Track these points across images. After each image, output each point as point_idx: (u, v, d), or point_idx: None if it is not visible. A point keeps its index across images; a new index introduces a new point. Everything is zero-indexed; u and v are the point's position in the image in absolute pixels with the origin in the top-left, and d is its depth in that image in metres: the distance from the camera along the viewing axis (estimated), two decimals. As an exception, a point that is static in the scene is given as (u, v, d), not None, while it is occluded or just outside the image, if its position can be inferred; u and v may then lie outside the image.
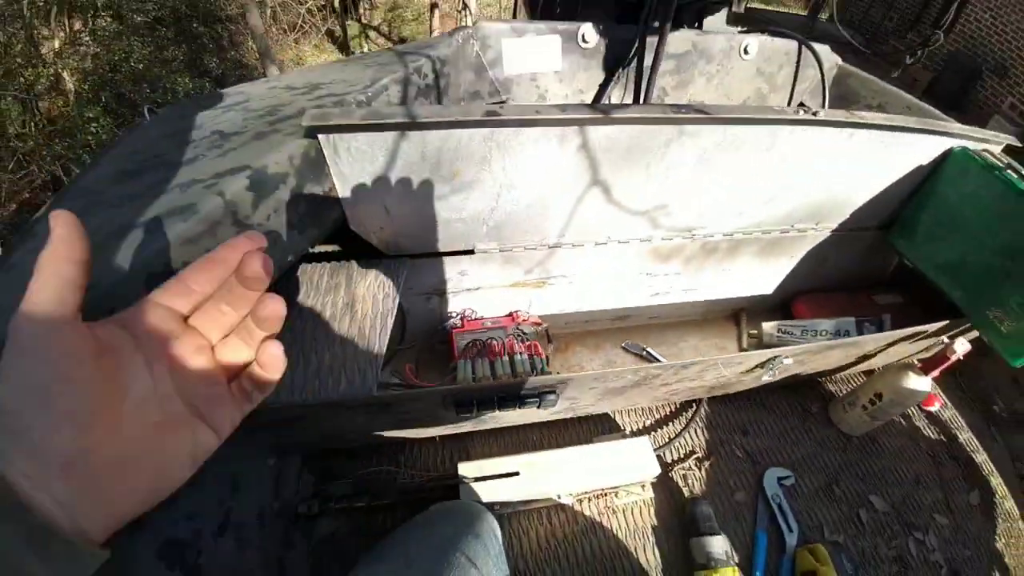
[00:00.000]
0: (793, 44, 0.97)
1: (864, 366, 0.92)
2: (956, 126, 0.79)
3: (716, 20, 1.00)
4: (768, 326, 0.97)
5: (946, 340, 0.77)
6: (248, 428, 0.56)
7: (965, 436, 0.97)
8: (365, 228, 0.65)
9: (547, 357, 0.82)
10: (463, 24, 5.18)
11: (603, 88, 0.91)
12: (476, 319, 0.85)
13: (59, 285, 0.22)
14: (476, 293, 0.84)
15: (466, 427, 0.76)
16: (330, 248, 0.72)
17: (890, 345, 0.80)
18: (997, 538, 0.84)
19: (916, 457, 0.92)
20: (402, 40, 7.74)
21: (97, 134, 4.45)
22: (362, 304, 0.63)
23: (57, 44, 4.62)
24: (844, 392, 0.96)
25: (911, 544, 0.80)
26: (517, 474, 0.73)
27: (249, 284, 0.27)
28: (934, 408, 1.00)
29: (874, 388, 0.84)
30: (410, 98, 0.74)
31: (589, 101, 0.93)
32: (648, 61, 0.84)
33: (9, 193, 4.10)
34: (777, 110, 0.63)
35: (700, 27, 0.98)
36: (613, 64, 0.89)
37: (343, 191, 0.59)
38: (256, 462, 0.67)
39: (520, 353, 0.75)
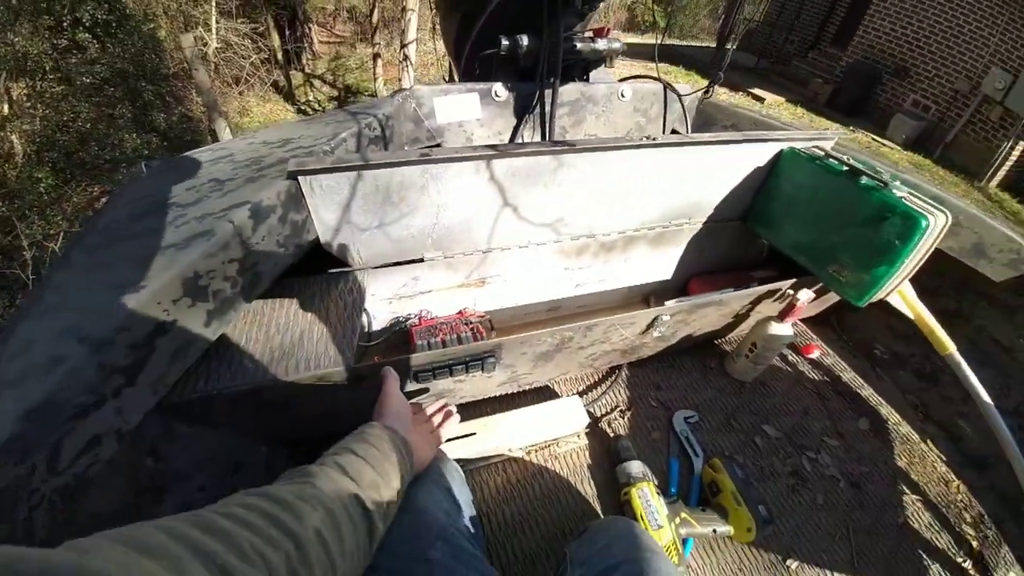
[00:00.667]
0: (659, 85, 1.25)
1: (744, 326, 1.16)
2: (788, 132, 1.05)
3: (600, 72, 1.27)
4: (670, 303, 1.19)
5: (790, 292, 1.01)
6: (244, 417, 0.74)
7: (848, 376, 1.19)
8: (335, 247, 0.83)
9: (488, 339, 1.00)
10: (403, 72, 5.45)
11: (516, 129, 1.15)
12: (431, 318, 1.02)
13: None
14: (428, 295, 1.02)
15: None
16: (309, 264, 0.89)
17: (753, 303, 1.03)
18: (897, 457, 1.01)
19: (803, 396, 1.13)
20: (347, 87, 8.01)
21: (44, 194, 4.39)
22: (335, 305, 0.79)
23: (5, 109, 4.55)
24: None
25: (805, 462, 0.99)
26: (474, 434, 0.89)
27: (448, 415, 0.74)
28: (815, 355, 1.23)
29: (750, 340, 1.07)
30: (363, 146, 0.94)
31: (506, 141, 1.16)
32: (548, 108, 1.09)
33: None
34: (624, 139, 0.86)
35: (587, 79, 1.25)
36: (521, 111, 1.13)
37: (317, 219, 0.77)
38: (251, 449, 0.80)
39: (464, 333, 0.93)
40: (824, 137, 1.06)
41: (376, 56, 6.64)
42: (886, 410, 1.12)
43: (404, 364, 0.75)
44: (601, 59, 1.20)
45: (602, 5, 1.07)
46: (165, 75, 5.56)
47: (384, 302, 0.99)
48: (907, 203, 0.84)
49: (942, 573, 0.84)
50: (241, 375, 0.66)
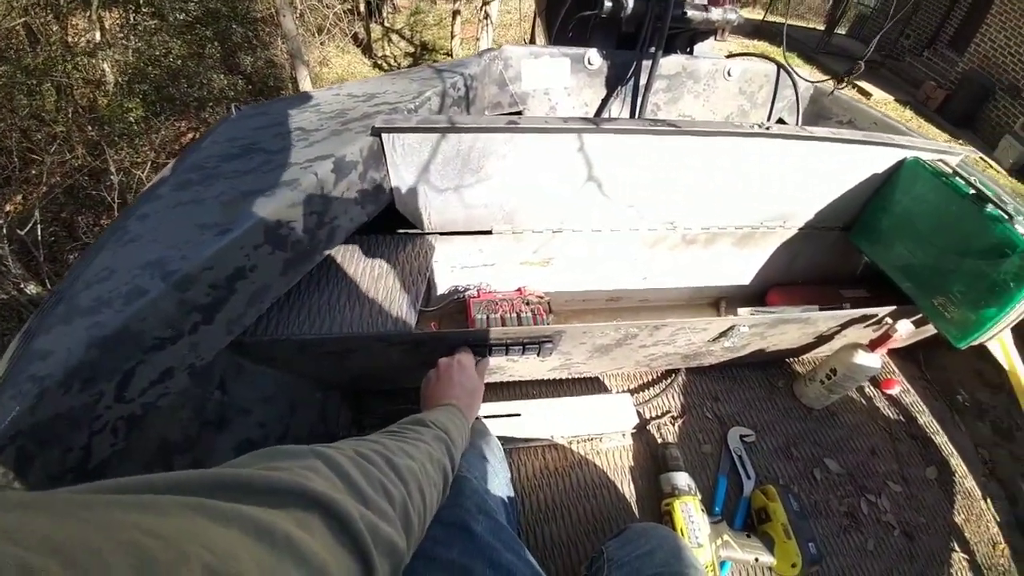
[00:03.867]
0: (773, 67, 1.11)
1: (824, 348, 1.05)
2: (912, 139, 0.92)
3: (705, 46, 1.15)
4: (743, 311, 1.10)
5: (889, 320, 0.90)
6: (306, 363, 0.75)
7: (925, 419, 1.09)
8: (407, 208, 0.82)
9: (547, 321, 0.97)
10: (482, 31, 5.33)
11: (604, 102, 1.06)
12: (489, 291, 1.00)
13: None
14: (491, 269, 0.99)
15: None
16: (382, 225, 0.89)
17: (843, 327, 0.93)
18: (956, 512, 0.94)
19: (873, 432, 1.04)
20: (423, 44, 7.97)
21: (133, 124, 4.73)
22: (402, 266, 0.79)
23: (97, 36, 4.90)
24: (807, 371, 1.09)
25: (863, 503, 0.92)
26: (519, 415, 0.88)
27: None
28: (894, 391, 1.12)
29: (830, 364, 0.97)
30: (447, 107, 0.91)
31: (592, 114, 1.08)
32: (644, 81, 0.99)
33: (49, 172, 4.37)
34: (733, 124, 0.78)
35: (691, 52, 1.13)
36: (614, 83, 1.04)
37: (395, 178, 0.76)
38: (307, 393, 0.83)
39: (524, 312, 0.90)
40: (951, 152, 0.92)
41: (456, 13, 6.52)
42: (955, 461, 1.03)
43: (462, 336, 0.73)
44: (712, 31, 1.08)
45: None
46: (254, 18, 5.75)
47: (447, 269, 0.97)
48: None
49: None
50: (308, 325, 0.67)
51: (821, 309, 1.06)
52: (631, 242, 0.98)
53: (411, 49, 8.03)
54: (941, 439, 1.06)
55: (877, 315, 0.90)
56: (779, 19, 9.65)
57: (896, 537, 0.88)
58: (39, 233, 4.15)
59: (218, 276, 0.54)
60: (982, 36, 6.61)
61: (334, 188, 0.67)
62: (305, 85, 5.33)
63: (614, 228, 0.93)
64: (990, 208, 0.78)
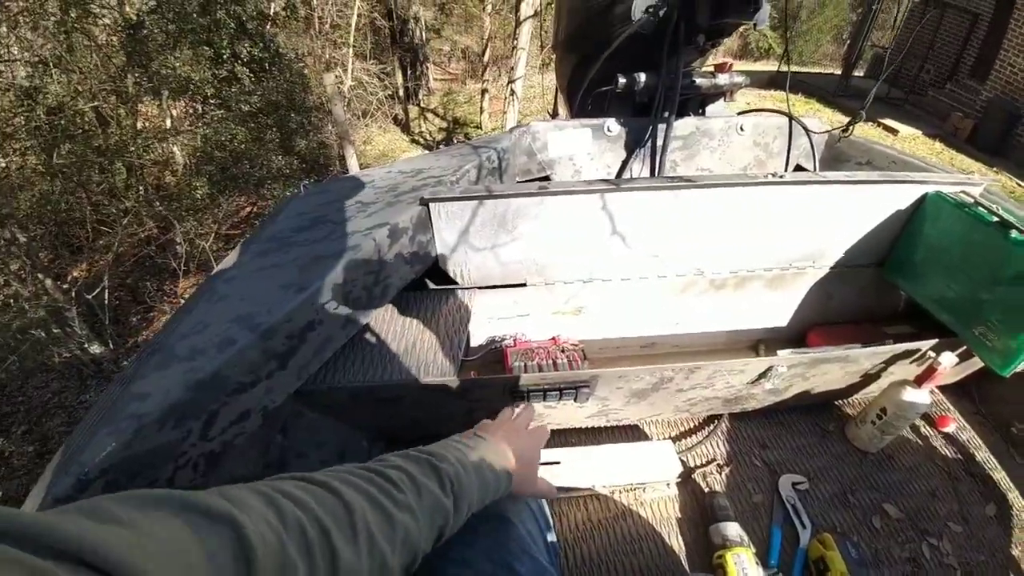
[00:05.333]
0: (784, 119, 1.18)
1: (873, 388, 1.02)
2: (930, 174, 0.95)
3: (717, 106, 1.24)
4: (783, 353, 1.09)
5: (932, 354, 0.88)
6: (356, 410, 0.81)
7: (983, 455, 1.01)
8: (449, 266, 0.90)
9: (583, 368, 0.99)
10: (509, 105, 5.77)
11: (625, 164, 1.16)
12: (525, 341, 1.05)
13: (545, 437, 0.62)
14: (525, 319, 1.05)
15: None
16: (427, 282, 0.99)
17: (887, 363, 0.91)
18: (1013, 546, 0.88)
19: (932, 473, 0.98)
20: (455, 120, 8.69)
21: (199, 200, 5.31)
22: (444, 319, 0.86)
23: (168, 123, 5.64)
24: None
25: (925, 548, 0.85)
26: (558, 463, 0.89)
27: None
28: (950, 429, 1.05)
29: (879, 404, 0.94)
30: (483, 177, 1.02)
31: (614, 175, 1.18)
32: (660, 142, 1.09)
33: (119, 243, 4.90)
34: (746, 176, 0.83)
35: (703, 113, 1.22)
36: (633, 146, 1.14)
37: (439, 241, 0.86)
38: (356, 441, 0.88)
39: (560, 359, 0.94)
40: (972, 183, 0.93)
41: (484, 91, 7.15)
42: (1014, 496, 0.95)
43: (500, 383, 0.78)
44: (721, 94, 1.17)
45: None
46: (308, 107, 6.50)
47: (484, 320, 1.04)
48: None
49: None
50: (362, 373, 0.74)
51: (864, 347, 1.04)
52: (660, 289, 1.02)
53: (444, 125, 8.76)
54: (999, 475, 0.99)
55: (920, 349, 0.88)
56: (796, 68, 9.92)
57: None
58: (105, 297, 4.61)
59: (294, 328, 0.63)
60: (1002, 62, 6.51)
61: (388, 251, 0.77)
62: (352, 162, 5.88)
63: (642, 276, 0.98)
64: (1015, 234, 0.79)
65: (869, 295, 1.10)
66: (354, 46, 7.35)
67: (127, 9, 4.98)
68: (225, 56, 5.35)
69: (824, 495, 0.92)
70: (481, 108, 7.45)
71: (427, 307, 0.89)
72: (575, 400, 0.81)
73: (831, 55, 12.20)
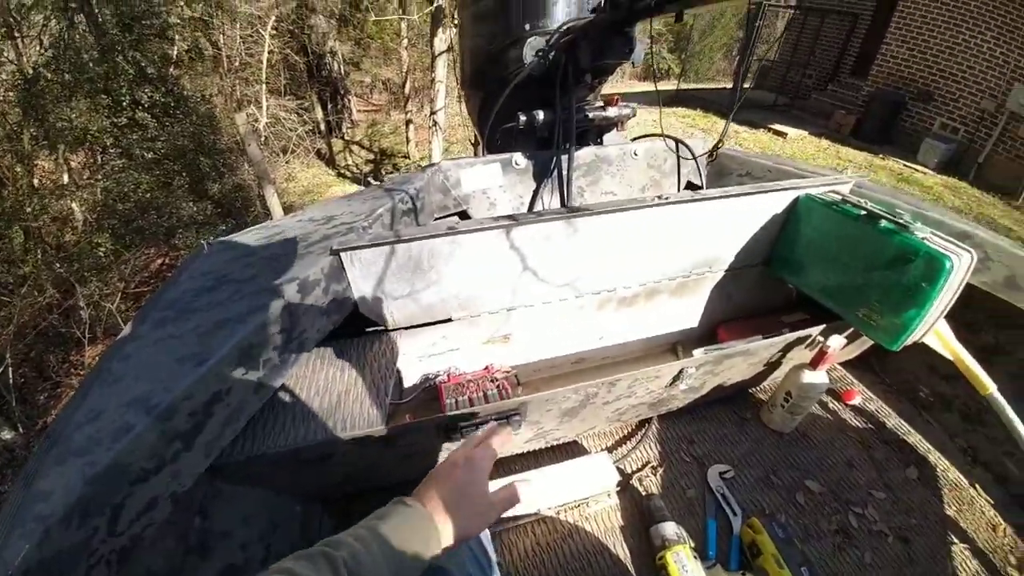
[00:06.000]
0: (672, 142, 1.31)
1: (778, 373, 1.13)
2: (801, 181, 1.07)
3: (612, 135, 1.35)
4: (698, 352, 1.18)
5: (820, 339, 0.99)
6: (283, 476, 0.78)
7: (893, 422, 1.13)
8: (371, 311, 0.89)
9: (516, 394, 1.01)
10: (433, 135, 5.83)
11: (536, 193, 1.22)
12: (458, 374, 1.05)
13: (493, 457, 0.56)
14: (456, 353, 1.05)
15: None
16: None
17: (783, 351, 1.01)
18: (946, 505, 0.96)
19: (846, 445, 1.08)
20: (382, 151, 8.60)
21: (103, 258, 4.82)
22: (371, 365, 0.85)
23: (65, 178, 5.12)
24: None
25: (851, 518, 0.93)
26: (502, 493, 0.89)
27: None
28: (856, 401, 1.18)
29: (784, 388, 1.04)
30: (397, 219, 1.03)
31: (527, 204, 1.24)
32: (565, 171, 1.16)
33: (19, 313, 4.33)
34: (636, 200, 0.91)
35: (601, 142, 1.33)
36: (541, 176, 1.22)
37: (356, 288, 0.85)
38: (287, 508, 0.83)
39: (491, 390, 0.95)
40: (840, 181, 1.07)
41: (408, 122, 7.17)
42: (934, 456, 1.06)
43: (430, 424, 0.78)
44: (613, 124, 1.27)
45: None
46: (220, 149, 6.17)
47: (415, 360, 1.03)
48: (930, 244, 0.83)
49: None
50: (283, 437, 0.71)
51: (765, 338, 1.15)
52: (580, 308, 1.07)
53: (371, 156, 8.65)
54: (914, 438, 1.10)
55: (811, 335, 0.98)
56: (694, 85, 10.92)
57: (891, 544, 0.90)
58: (10, 376, 4.04)
59: (196, 403, 0.59)
60: (883, 56, 7.42)
61: (300, 306, 0.75)
62: (272, 202, 5.62)
63: (561, 298, 1.02)
64: (884, 223, 0.89)
65: (764, 290, 1.22)
66: (267, 83, 7.11)
67: (23, 61, 4.53)
68: (125, 103, 4.98)
69: (750, 480, 0.99)
70: (407, 138, 7.46)
71: (351, 355, 0.87)
72: (509, 429, 0.82)
73: (724, 71, 13.58)
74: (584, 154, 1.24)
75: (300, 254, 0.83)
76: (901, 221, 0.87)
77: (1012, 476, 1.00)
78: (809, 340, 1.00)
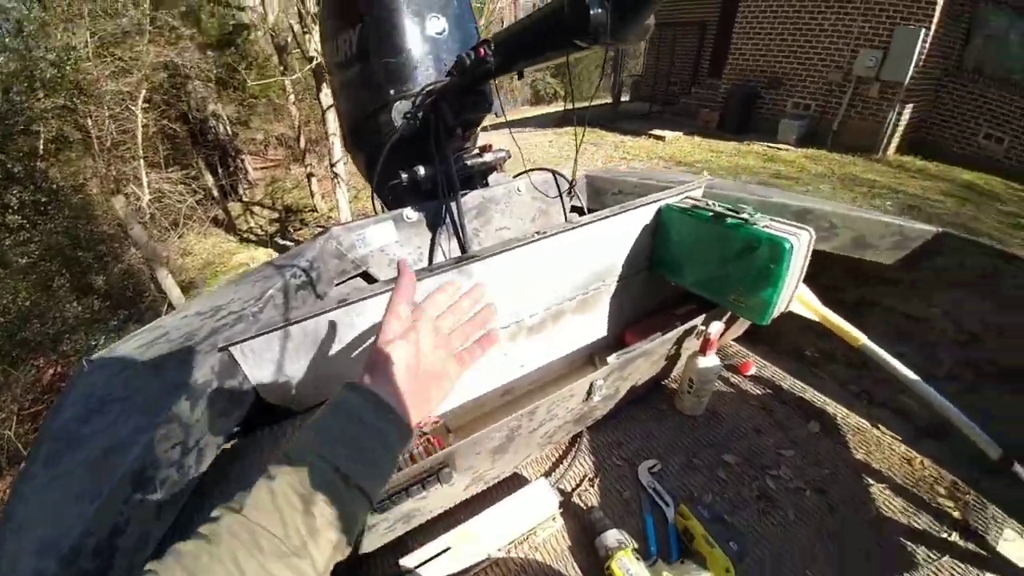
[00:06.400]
0: (549, 173, 1.42)
1: (680, 363, 1.24)
2: (661, 192, 1.20)
3: (496, 175, 1.44)
4: (611, 358, 1.25)
5: (702, 328, 1.11)
6: None
7: (788, 383, 1.27)
8: (277, 397, 0.87)
9: (449, 446, 1.02)
10: (336, 187, 5.71)
11: (433, 242, 1.27)
12: (388, 436, 1.05)
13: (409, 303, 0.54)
14: None
15: (398, 530, 0.92)
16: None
17: (677, 343, 1.12)
18: (854, 451, 1.04)
19: (752, 414, 1.19)
20: (287, 208, 8.27)
21: None
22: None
23: None
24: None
25: (769, 481, 1.02)
26: (449, 549, 0.89)
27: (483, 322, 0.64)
28: (753, 371, 1.33)
29: (687, 376, 1.15)
30: (292, 296, 1.01)
31: (426, 254, 1.27)
32: (456, 218, 1.22)
33: None
34: (517, 239, 0.98)
35: (487, 184, 1.41)
36: (434, 226, 1.27)
37: (253, 378, 0.82)
38: None
39: (416, 448, 0.96)
40: (692, 187, 1.23)
41: (310, 176, 6.98)
42: (832, 407, 1.17)
43: None
44: (492, 168, 1.36)
45: (501, 97, 1.24)
46: (100, 238, 5.60)
47: None
48: (770, 232, 0.97)
49: (929, 554, 0.85)
50: None
51: (662, 334, 1.26)
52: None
53: (275, 215, 8.28)
54: (809, 393, 1.22)
55: (695, 325, 1.10)
56: (578, 104, 11.75)
57: (809, 497, 0.97)
58: None
59: (99, 539, 0.56)
60: (733, 55, 8.46)
61: (191, 414, 0.71)
62: (167, 283, 5.18)
63: None
64: (730, 220, 1.03)
65: (656, 291, 1.35)
66: (145, 157, 6.59)
67: None
68: None
69: (675, 468, 1.07)
70: (311, 192, 7.25)
71: (260, 450, 0.84)
72: (441, 483, 0.83)
73: (603, 87, 14.79)
74: (472, 198, 1.31)
75: (185, 357, 0.79)
76: (743, 216, 1.02)
77: (912, 410, 1.09)
78: (695, 330, 1.12)
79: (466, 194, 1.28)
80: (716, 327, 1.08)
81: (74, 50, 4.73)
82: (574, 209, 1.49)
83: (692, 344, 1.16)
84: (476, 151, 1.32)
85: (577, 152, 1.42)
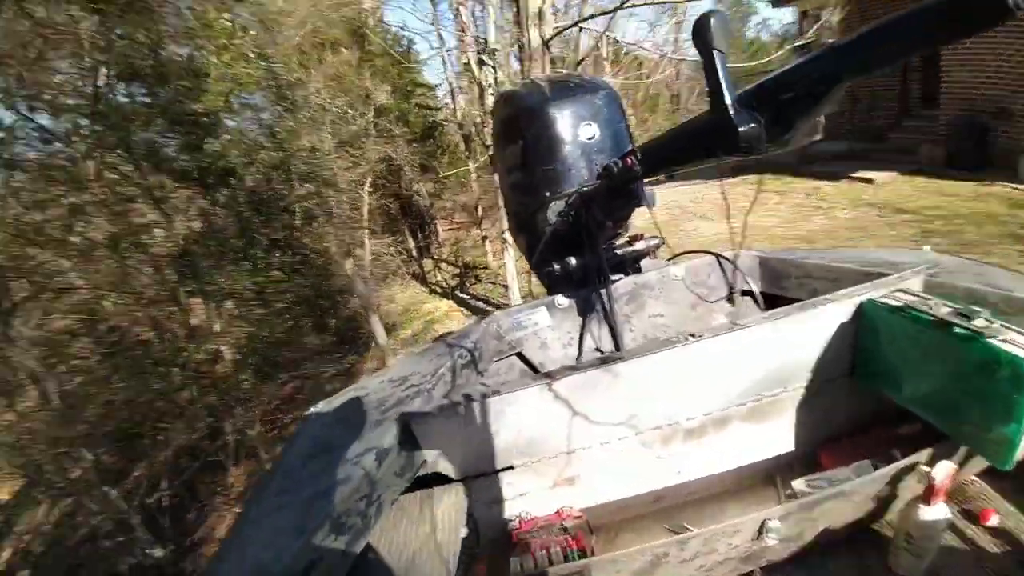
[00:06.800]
0: (711, 256, 1.33)
1: (894, 507, 0.96)
2: (861, 286, 1.01)
3: (648, 262, 1.42)
4: (797, 483, 1.03)
5: (926, 469, 0.85)
6: None
7: None
8: (438, 465, 1.00)
9: (591, 547, 0.98)
10: (505, 251, 6.36)
11: (583, 328, 1.30)
12: (529, 519, 1.06)
13: None
14: (524, 498, 1.08)
15: None
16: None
17: (890, 484, 0.88)
18: None
19: None
20: (465, 264, 9.55)
21: (246, 390, 5.79)
22: (443, 519, 0.93)
23: (217, 327, 6.36)
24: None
25: None
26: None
27: None
28: (993, 522, 0.94)
29: (903, 528, 0.88)
30: (459, 373, 1.16)
31: (576, 340, 1.31)
32: (607, 304, 1.24)
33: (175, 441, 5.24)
34: (672, 340, 0.94)
35: (639, 269, 1.40)
36: (585, 312, 1.31)
37: (425, 445, 0.97)
38: None
39: (554, 547, 0.94)
40: (906, 278, 1.00)
41: (484, 238, 8.00)
42: None
43: None
44: (644, 254, 1.35)
45: None
46: (335, 290, 7.36)
47: (485, 508, 1.07)
48: (1013, 350, 0.73)
49: None
50: None
51: (873, 462, 1.00)
52: (643, 444, 1.05)
53: (456, 271, 9.63)
54: None
55: (917, 462, 0.85)
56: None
57: None
58: (165, 499, 4.84)
59: (296, 569, 0.69)
60: (947, 83, 6.89)
61: (377, 472, 0.86)
62: (377, 328, 6.40)
63: (620, 437, 1.03)
64: (957, 330, 0.80)
65: (859, 402, 1.10)
66: (368, 227, 8.52)
67: (176, 226, 6.04)
68: (261, 265, 6.34)
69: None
70: (486, 252, 8.28)
71: (424, 510, 0.95)
72: None
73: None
74: (624, 284, 1.31)
75: (378, 420, 0.97)
76: (975, 325, 0.78)
77: None
78: (916, 469, 0.86)
79: (617, 280, 1.29)
80: (944, 468, 0.81)
81: (318, 150, 6.53)
82: (745, 293, 1.35)
83: (913, 487, 0.90)
84: (626, 239, 1.33)
85: (744, 227, 1.30)
